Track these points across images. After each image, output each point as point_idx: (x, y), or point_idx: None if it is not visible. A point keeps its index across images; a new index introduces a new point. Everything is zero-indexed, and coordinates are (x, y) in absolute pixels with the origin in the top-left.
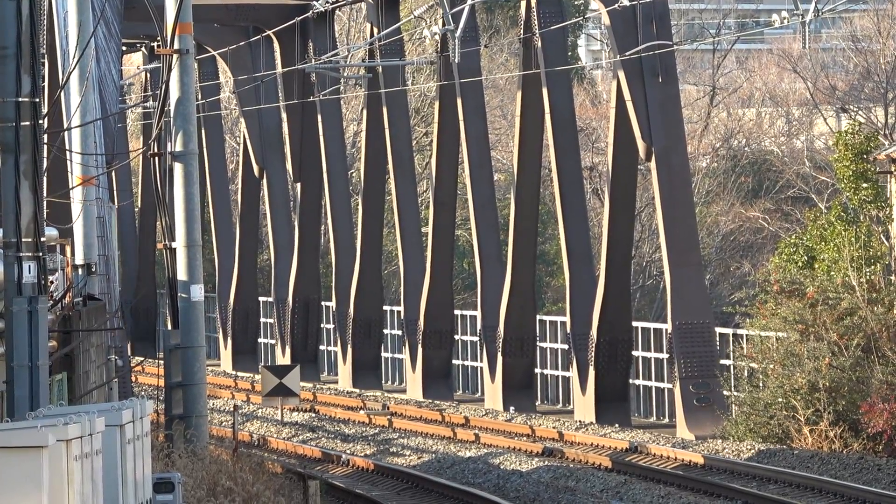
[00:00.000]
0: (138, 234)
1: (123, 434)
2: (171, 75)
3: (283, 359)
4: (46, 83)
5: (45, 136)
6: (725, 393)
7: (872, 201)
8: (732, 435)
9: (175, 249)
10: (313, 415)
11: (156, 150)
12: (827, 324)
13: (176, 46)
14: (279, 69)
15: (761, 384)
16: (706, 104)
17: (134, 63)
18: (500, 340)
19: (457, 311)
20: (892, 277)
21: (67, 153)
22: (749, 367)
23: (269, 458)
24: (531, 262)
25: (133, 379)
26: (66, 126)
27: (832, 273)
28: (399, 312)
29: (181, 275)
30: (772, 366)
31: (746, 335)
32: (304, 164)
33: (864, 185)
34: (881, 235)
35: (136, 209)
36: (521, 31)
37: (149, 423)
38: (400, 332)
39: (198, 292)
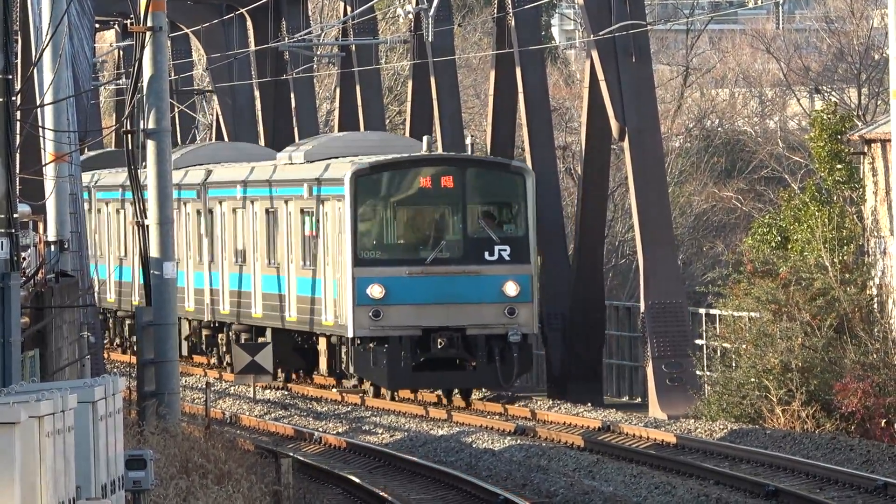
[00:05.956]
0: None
1: (96, 411)
2: (143, 53)
3: None
4: (19, 60)
5: (18, 113)
6: (698, 373)
7: (846, 182)
8: (705, 415)
9: (148, 226)
10: (285, 392)
11: (129, 127)
12: (800, 304)
13: (149, 24)
14: (252, 47)
15: (734, 364)
16: (679, 84)
17: (107, 40)
18: None
19: None
20: (865, 258)
21: (40, 130)
22: (722, 347)
23: (242, 435)
24: None
25: (105, 356)
26: (38, 103)
27: (805, 253)
28: None
29: (154, 252)
30: (744, 346)
31: (719, 315)
32: (277, 141)
33: (839, 165)
34: (854, 216)
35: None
36: (495, 11)
37: (121, 400)
38: None
39: (170, 269)
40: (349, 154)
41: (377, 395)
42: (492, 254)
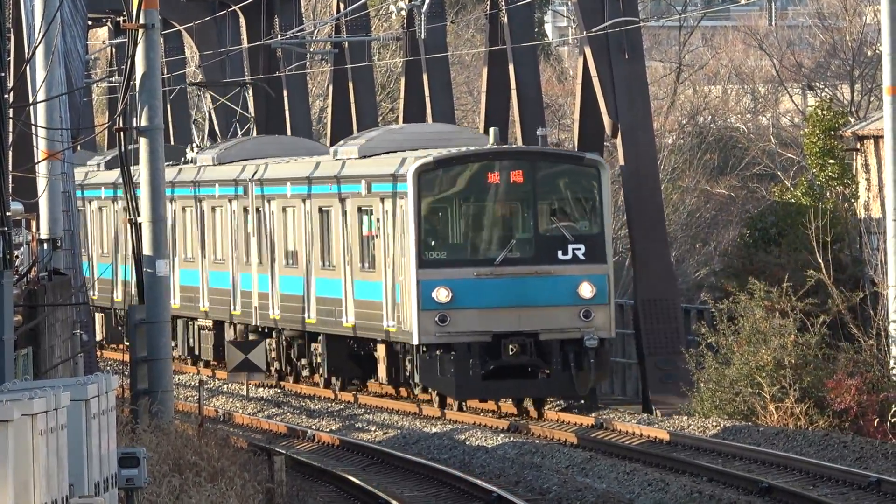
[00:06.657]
0: None
1: (89, 409)
2: (136, 50)
3: None
4: (12, 57)
5: (11, 111)
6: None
7: (839, 178)
8: (698, 412)
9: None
10: (278, 390)
11: (121, 124)
12: (793, 301)
13: (141, 21)
14: (245, 44)
15: (725, 359)
16: (672, 81)
17: (100, 38)
18: None
19: None
20: (859, 254)
21: (33, 127)
22: (714, 344)
23: (235, 433)
24: None
25: (98, 354)
26: (31, 100)
27: (798, 250)
28: None
29: (147, 249)
30: (737, 343)
31: (712, 312)
32: None
33: (832, 161)
34: (846, 213)
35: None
36: (488, 7)
37: (114, 398)
38: None
39: (163, 267)
40: (408, 148)
41: (442, 405)
42: (565, 253)
